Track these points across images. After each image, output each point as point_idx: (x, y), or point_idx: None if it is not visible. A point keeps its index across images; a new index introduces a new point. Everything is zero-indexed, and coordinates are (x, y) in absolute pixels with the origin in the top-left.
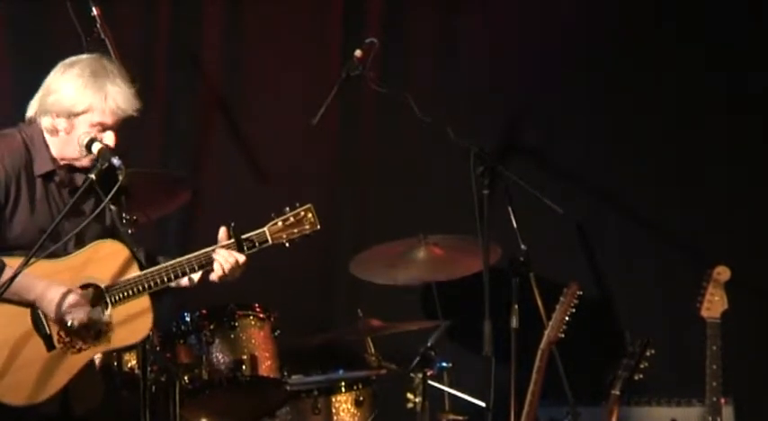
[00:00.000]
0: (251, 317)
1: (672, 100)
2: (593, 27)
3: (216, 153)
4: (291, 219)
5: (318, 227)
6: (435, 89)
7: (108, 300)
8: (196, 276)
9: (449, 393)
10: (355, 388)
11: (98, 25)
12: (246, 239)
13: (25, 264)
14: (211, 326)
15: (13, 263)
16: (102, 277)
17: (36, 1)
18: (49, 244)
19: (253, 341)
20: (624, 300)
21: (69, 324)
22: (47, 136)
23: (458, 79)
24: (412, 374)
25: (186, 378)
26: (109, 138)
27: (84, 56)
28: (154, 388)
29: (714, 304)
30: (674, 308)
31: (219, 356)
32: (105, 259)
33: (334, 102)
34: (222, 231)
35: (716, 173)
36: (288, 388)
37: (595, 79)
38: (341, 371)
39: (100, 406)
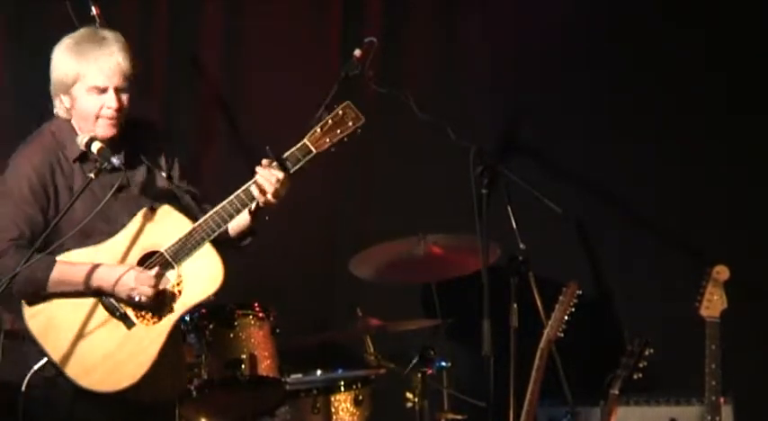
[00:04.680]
0: (250, 317)
1: (672, 100)
2: (593, 27)
3: (216, 153)
4: (330, 121)
5: (363, 120)
6: (435, 89)
7: (172, 262)
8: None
9: (448, 393)
10: (354, 387)
11: (98, 25)
12: (288, 158)
13: (30, 256)
14: (211, 326)
15: (68, 257)
16: (160, 241)
17: (36, 0)
18: (104, 226)
19: (252, 340)
20: (623, 299)
21: (138, 301)
22: (73, 123)
23: (458, 79)
24: (411, 373)
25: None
26: (110, 101)
27: (79, 30)
28: None
29: (713, 303)
30: (673, 307)
31: (219, 355)
32: (157, 223)
33: (334, 102)
34: (264, 161)
35: (716, 173)
36: (287, 387)
37: (595, 79)
38: (340, 371)
39: (169, 400)
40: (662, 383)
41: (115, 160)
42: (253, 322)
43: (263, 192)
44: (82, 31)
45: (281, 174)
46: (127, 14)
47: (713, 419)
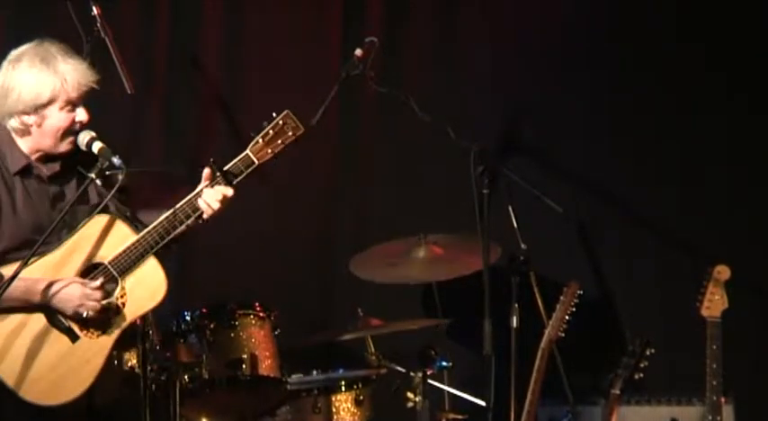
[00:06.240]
0: (251, 316)
1: (672, 100)
2: (593, 26)
3: (216, 153)
4: (271, 132)
5: (303, 129)
6: (435, 89)
7: (115, 274)
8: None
9: (449, 392)
10: (355, 387)
11: (98, 24)
12: (231, 170)
13: (24, 265)
14: (211, 325)
15: (10, 270)
16: (103, 253)
17: (36, 1)
18: (37, 237)
19: (253, 340)
20: (624, 299)
21: (84, 315)
22: (14, 136)
23: (458, 79)
24: (412, 373)
25: (186, 377)
26: (81, 115)
27: (26, 46)
28: (154, 387)
29: (714, 303)
30: (673, 307)
31: (219, 355)
32: (99, 235)
33: (334, 102)
34: (206, 171)
35: (716, 173)
36: (288, 387)
37: (595, 79)
38: (341, 371)
39: (117, 400)
40: (663, 383)
41: (116, 160)
42: (254, 322)
43: (210, 207)
44: (38, 48)
45: (229, 191)
46: (127, 14)
47: (714, 419)
